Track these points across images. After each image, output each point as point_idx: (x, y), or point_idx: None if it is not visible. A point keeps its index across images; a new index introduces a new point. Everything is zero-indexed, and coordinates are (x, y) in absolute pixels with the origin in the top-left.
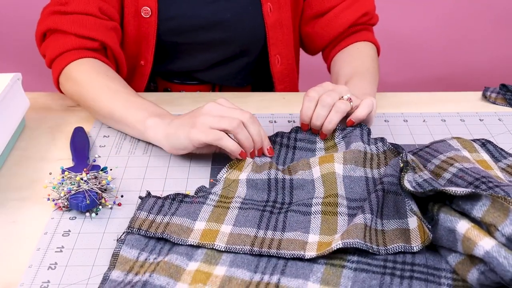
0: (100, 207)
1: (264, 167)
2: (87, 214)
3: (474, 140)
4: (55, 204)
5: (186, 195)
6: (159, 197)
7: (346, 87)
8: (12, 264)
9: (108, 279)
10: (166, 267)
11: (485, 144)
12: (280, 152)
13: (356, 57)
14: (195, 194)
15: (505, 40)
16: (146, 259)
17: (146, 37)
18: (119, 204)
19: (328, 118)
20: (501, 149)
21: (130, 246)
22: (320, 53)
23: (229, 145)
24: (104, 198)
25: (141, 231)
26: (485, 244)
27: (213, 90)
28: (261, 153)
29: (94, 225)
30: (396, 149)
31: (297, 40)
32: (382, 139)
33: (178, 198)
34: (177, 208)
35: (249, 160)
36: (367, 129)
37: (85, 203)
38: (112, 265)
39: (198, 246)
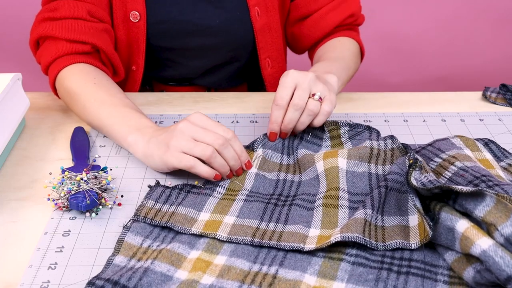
0: (100, 207)
1: (274, 167)
2: (87, 214)
3: (477, 140)
4: (55, 204)
5: (194, 186)
6: (167, 187)
7: (312, 75)
8: (12, 264)
9: (111, 263)
10: (168, 255)
11: (488, 143)
12: (289, 140)
13: (334, 46)
14: (203, 185)
15: (505, 40)
16: (149, 246)
17: (136, 41)
18: (119, 204)
19: (300, 120)
20: (504, 149)
21: (135, 233)
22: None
23: (203, 172)
24: (104, 198)
25: (146, 219)
26: (482, 243)
27: (209, 91)
28: (241, 172)
29: (94, 225)
30: (405, 148)
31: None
32: (392, 137)
33: (186, 189)
34: (183, 198)
35: (258, 153)
36: (376, 131)
37: (85, 203)
38: (116, 250)
39: (200, 236)
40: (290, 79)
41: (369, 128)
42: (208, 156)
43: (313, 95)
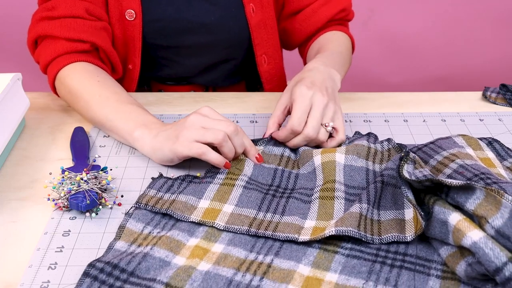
0: (100, 207)
1: (274, 159)
2: (87, 214)
3: (480, 139)
4: (55, 204)
5: (196, 177)
6: (169, 178)
7: (327, 101)
8: (12, 264)
9: (112, 248)
10: (167, 241)
11: (491, 142)
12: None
13: (331, 40)
14: (204, 174)
15: (505, 40)
16: (150, 233)
17: (132, 40)
18: (119, 204)
19: (303, 144)
20: (508, 148)
21: (137, 220)
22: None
23: (213, 158)
24: (104, 198)
25: (147, 206)
26: (473, 235)
27: (207, 90)
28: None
29: (94, 225)
30: (400, 148)
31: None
32: (389, 139)
33: (188, 179)
34: (185, 187)
35: (259, 148)
36: (374, 135)
37: (85, 203)
38: (118, 236)
39: (200, 224)
40: (308, 101)
41: (368, 134)
42: (221, 139)
43: (326, 125)
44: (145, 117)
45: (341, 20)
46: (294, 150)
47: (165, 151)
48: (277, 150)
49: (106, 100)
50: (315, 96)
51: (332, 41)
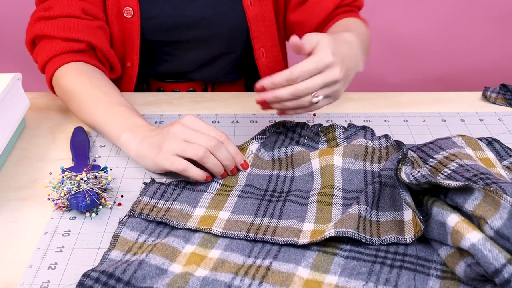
0: (100, 207)
1: (267, 165)
2: (87, 214)
3: (480, 138)
4: (55, 204)
5: (188, 182)
6: (162, 183)
7: (336, 76)
8: (12, 264)
9: (107, 258)
10: (163, 248)
11: (491, 142)
12: (284, 141)
13: (346, 25)
14: (198, 181)
15: (505, 40)
16: (145, 241)
17: (130, 37)
18: (119, 204)
19: (287, 105)
20: (508, 148)
21: (131, 228)
22: None
23: (195, 174)
24: (104, 198)
25: (142, 214)
26: (471, 237)
27: (206, 87)
28: (236, 171)
29: (94, 225)
30: (399, 145)
31: (283, 34)
32: (386, 136)
33: (181, 185)
34: (179, 194)
35: (251, 150)
36: (370, 130)
37: (85, 203)
38: (112, 246)
39: (195, 230)
40: (322, 64)
41: (363, 127)
42: (201, 156)
43: (316, 96)
44: (131, 119)
45: (349, 6)
46: (285, 147)
47: (148, 161)
48: (268, 156)
49: (96, 102)
50: (332, 67)
51: (347, 27)
